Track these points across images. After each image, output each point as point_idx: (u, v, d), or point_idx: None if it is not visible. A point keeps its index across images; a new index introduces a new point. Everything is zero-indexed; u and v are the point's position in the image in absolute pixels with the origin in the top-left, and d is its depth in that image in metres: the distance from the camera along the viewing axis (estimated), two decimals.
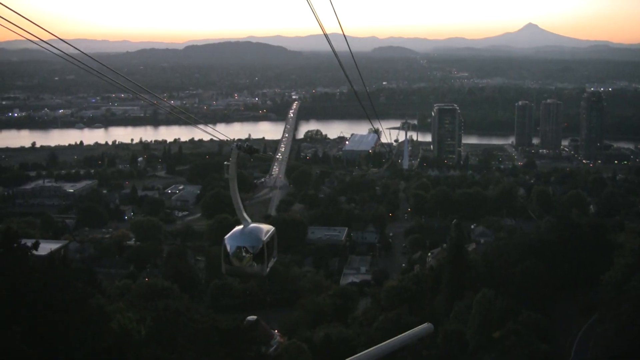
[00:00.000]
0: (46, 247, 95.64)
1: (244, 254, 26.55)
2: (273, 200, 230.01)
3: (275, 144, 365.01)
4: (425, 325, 25.95)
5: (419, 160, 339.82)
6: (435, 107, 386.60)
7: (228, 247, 26.61)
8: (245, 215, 27.40)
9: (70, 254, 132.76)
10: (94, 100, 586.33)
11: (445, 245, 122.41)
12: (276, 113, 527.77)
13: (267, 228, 27.64)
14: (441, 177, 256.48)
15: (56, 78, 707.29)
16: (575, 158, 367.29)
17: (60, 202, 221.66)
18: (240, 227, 27.34)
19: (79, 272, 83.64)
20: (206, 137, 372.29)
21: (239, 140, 27.04)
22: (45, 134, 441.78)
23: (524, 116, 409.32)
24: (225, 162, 24.98)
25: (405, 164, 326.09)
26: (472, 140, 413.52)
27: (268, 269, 27.45)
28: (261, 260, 26.81)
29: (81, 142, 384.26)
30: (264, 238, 26.81)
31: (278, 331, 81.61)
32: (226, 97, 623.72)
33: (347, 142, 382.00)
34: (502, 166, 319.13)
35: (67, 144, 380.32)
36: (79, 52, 23.14)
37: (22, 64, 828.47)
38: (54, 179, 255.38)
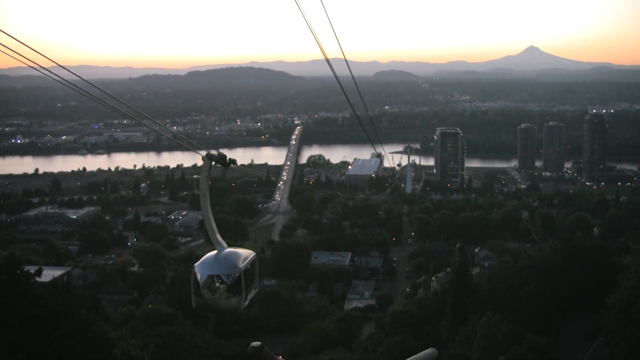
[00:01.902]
0: (49, 274, 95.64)
1: (217, 284, 23.74)
2: (276, 226, 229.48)
3: (278, 169, 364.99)
4: (429, 350, 25.56)
5: (422, 184, 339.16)
6: (438, 130, 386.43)
7: (198, 276, 23.86)
8: (219, 238, 24.77)
9: (73, 281, 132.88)
10: (96, 127, 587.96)
11: (449, 269, 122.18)
12: (279, 138, 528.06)
13: (245, 254, 25.18)
14: (444, 200, 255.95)
15: (59, 104, 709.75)
16: (578, 180, 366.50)
17: (63, 228, 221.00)
18: (214, 252, 24.64)
19: (82, 298, 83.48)
20: None
21: (211, 150, 24.76)
22: (49, 160, 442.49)
23: (526, 139, 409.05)
24: (194, 176, 23.40)
25: (408, 188, 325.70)
26: (475, 163, 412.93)
27: (247, 302, 24.59)
28: (238, 292, 23.85)
29: (84, 169, 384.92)
30: (241, 265, 24.07)
31: (282, 357, 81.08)
32: (229, 123, 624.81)
33: (350, 167, 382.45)
34: (505, 189, 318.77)
35: (70, 170, 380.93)
36: (81, 79, 23.17)
37: (25, 90, 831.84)
38: (57, 206, 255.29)
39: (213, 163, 24.54)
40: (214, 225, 24.64)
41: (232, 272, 23.55)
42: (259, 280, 27.03)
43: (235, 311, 27.63)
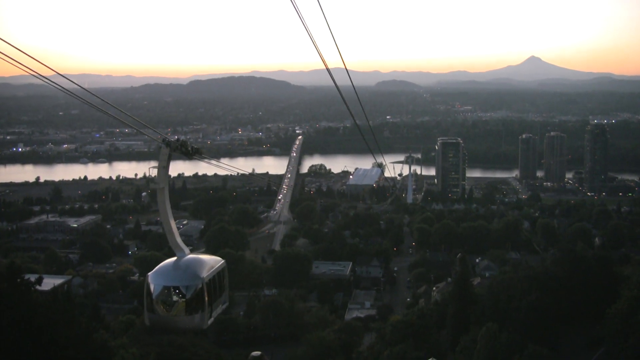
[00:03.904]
0: (50, 282, 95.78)
1: (174, 297, 20.28)
2: (277, 235, 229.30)
3: (279, 178, 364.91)
4: None
5: (423, 194, 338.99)
6: (439, 140, 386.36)
7: (152, 288, 20.53)
8: (179, 241, 21.38)
9: (73, 289, 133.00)
10: (98, 135, 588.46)
11: (450, 279, 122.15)
12: (280, 148, 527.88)
13: (211, 261, 21.99)
14: (445, 211, 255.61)
15: (61, 113, 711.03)
16: (579, 190, 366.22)
17: (64, 237, 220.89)
18: (172, 259, 21.37)
19: (82, 307, 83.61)
20: (210, 172, 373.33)
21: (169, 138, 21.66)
22: (50, 169, 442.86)
23: (527, 149, 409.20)
24: (150, 167, 21.14)
25: (409, 198, 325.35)
26: (476, 173, 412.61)
27: (212, 320, 21.28)
28: (199, 307, 20.36)
29: (85, 177, 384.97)
30: (205, 274, 20.72)
31: None
32: (230, 132, 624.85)
33: (351, 177, 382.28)
34: (506, 199, 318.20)
35: (71, 179, 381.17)
36: (82, 88, 23.01)
37: (27, 98, 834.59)
38: (58, 214, 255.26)
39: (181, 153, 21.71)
40: (173, 225, 21.38)
41: (193, 283, 20.20)
42: (228, 293, 23.34)
43: (196, 331, 25.27)
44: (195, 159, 22.54)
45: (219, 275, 21.68)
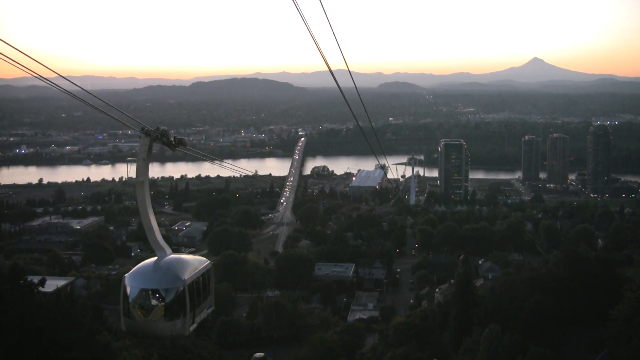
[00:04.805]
0: (53, 284, 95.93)
1: (152, 301, 18.83)
2: (280, 237, 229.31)
3: (282, 180, 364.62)
4: None
5: (425, 195, 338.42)
6: (442, 142, 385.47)
7: (128, 290, 19.28)
8: (160, 240, 20.14)
9: (76, 291, 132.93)
10: (100, 137, 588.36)
11: (452, 280, 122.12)
12: (283, 149, 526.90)
13: (195, 262, 20.64)
14: (448, 212, 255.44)
15: (63, 115, 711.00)
16: (582, 192, 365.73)
17: (67, 238, 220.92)
18: (152, 259, 20.29)
19: (85, 308, 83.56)
20: (213, 174, 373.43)
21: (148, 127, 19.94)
22: (53, 171, 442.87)
23: (530, 151, 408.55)
24: (128, 158, 18.86)
25: (412, 200, 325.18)
26: (479, 175, 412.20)
27: (194, 326, 19.76)
28: (181, 312, 18.90)
29: (88, 179, 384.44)
30: (187, 276, 19.32)
31: None
32: (233, 134, 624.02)
33: (354, 178, 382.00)
34: (509, 201, 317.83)
35: (74, 181, 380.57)
36: (85, 91, 22.85)
37: (29, 100, 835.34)
38: (61, 216, 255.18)
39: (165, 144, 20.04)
40: (153, 222, 20.09)
41: (174, 285, 18.78)
42: (214, 297, 21.93)
43: (177, 339, 23.76)
44: (180, 150, 20.95)
45: (203, 277, 20.46)
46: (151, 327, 18.77)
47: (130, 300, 18.82)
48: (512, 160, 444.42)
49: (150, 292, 18.61)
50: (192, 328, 19.30)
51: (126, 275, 19.30)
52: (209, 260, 21.24)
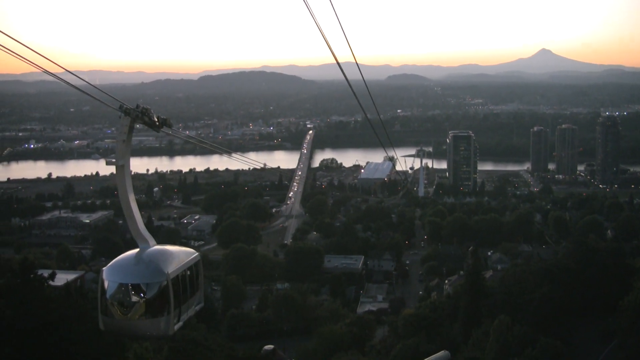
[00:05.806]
0: (62, 278, 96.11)
1: (132, 297, 17.29)
2: (289, 229, 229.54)
3: (290, 173, 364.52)
4: (442, 352, 25.15)
5: (434, 187, 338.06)
6: (450, 134, 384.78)
7: (106, 285, 17.64)
8: (142, 229, 18.59)
9: (86, 285, 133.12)
10: (109, 131, 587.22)
11: (462, 272, 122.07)
12: (291, 142, 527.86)
13: (181, 254, 18.93)
14: (457, 204, 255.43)
15: (72, 109, 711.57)
16: (591, 183, 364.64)
17: (77, 232, 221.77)
18: (134, 251, 18.48)
19: (95, 302, 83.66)
20: (221, 167, 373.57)
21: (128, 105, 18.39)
22: (62, 165, 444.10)
23: (539, 142, 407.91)
24: (107, 140, 16.32)
25: (421, 192, 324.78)
26: (487, 166, 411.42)
27: (180, 324, 18.11)
28: (164, 309, 17.34)
29: (97, 173, 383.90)
30: (171, 270, 17.78)
31: None
32: (241, 127, 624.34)
33: (362, 171, 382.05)
34: (518, 192, 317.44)
35: (83, 175, 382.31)
36: (92, 85, 22.70)
37: (38, 95, 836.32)
38: (70, 210, 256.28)
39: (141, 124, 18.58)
40: (134, 210, 18.37)
41: (156, 279, 17.21)
42: (203, 292, 20.02)
43: (159, 338, 21.66)
44: (164, 132, 19.54)
45: (190, 270, 18.71)
46: (131, 326, 17.37)
47: (107, 296, 17.34)
48: (521, 152, 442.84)
49: (130, 287, 17.19)
50: (177, 327, 17.75)
51: (104, 268, 17.73)
52: (197, 252, 19.75)
